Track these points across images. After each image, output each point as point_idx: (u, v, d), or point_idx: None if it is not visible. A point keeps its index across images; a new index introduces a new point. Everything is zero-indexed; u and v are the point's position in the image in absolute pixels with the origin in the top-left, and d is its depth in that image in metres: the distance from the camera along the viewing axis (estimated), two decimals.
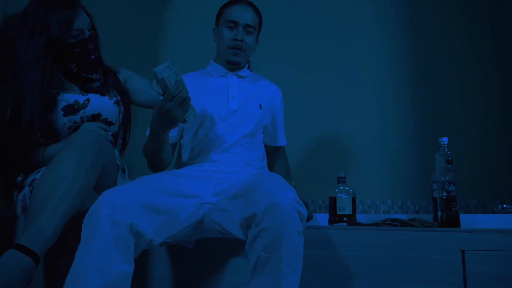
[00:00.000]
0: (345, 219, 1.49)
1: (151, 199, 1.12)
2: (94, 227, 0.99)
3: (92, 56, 1.51)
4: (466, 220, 1.53)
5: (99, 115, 1.50)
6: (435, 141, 1.47)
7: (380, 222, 1.41)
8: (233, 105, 1.52)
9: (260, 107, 1.56)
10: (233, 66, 1.58)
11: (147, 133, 1.40)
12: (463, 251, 1.25)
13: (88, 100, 1.49)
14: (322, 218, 1.67)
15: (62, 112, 1.44)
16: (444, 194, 1.39)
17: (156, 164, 1.44)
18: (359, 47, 2.44)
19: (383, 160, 2.28)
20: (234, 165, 1.44)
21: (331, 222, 1.52)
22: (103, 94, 1.53)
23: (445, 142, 1.43)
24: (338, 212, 1.51)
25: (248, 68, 1.68)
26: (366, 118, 2.35)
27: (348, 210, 1.51)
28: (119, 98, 1.56)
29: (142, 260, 1.39)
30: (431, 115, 2.30)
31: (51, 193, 1.10)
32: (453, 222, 1.35)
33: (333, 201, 1.52)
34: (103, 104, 1.51)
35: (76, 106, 1.46)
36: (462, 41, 2.33)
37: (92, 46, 1.50)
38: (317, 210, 2.31)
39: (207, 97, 1.53)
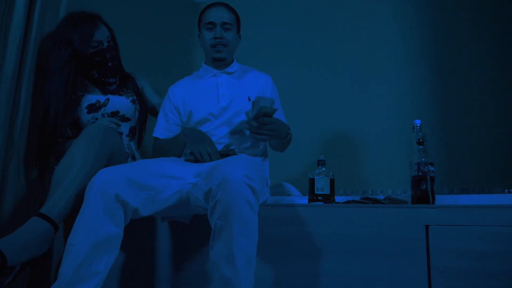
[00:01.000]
0: (320, 198, 1.55)
1: (138, 177, 1.29)
2: (88, 198, 1.21)
3: (110, 64, 1.76)
4: (449, 200, 1.55)
5: (117, 112, 1.77)
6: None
7: (353, 201, 1.46)
8: (223, 102, 1.65)
9: (249, 99, 1.65)
10: (219, 63, 1.70)
11: (154, 134, 1.74)
12: (427, 226, 1.29)
13: (108, 99, 1.77)
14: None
15: (86, 110, 1.73)
16: (418, 173, 1.43)
17: None
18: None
19: (399, 151, 2.30)
20: None
21: (309, 201, 1.58)
22: (120, 94, 1.80)
23: (418, 124, 1.46)
24: (316, 192, 1.56)
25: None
26: (378, 112, 2.39)
27: (326, 190, 1.56)
28: (135, 98, 1.82)
29: (147, 234, 1.60)
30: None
31: (65, 174, 1.36)
32: (422, 199, 1.38)
33: (312, 182, 1.58)
34: (121, 102, 1.78)
35: (97, 105, 1.74)
36: (482, 34, 2.29)
37: (109, 55, 1.76)
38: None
39: (198, 98, 1.69)
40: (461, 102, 2.27)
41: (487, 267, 1.20)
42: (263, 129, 1.44)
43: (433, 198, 1.47)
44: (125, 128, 1.78)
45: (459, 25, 2.33)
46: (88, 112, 1.75)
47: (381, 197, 1.52)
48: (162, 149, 1.71)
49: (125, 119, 1.79)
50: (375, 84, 2.46)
